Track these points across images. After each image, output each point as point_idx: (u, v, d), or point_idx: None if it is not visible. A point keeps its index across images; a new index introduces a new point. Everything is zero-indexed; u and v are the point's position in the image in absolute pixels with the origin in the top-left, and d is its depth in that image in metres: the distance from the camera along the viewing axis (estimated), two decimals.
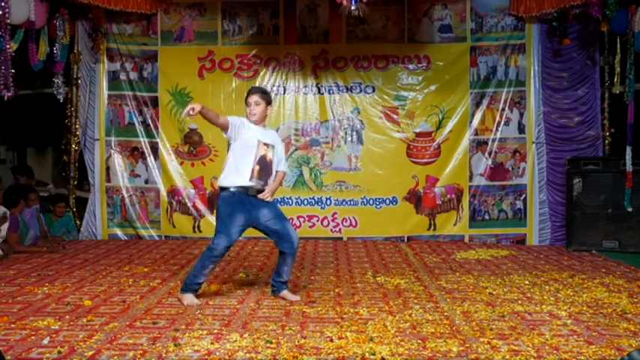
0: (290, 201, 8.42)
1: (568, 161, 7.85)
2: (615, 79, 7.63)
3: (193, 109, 4.62)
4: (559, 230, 8.21)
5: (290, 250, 5.05)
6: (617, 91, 7.60)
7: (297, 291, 5.32)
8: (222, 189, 4.97)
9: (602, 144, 8.14)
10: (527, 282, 5.78)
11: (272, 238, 5.17)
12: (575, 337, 4.05)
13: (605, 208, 7.62)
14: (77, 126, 8.48)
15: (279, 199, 8.23)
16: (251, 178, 4.88)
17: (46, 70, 7.93)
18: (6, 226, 6.87)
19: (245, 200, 4.90)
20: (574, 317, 4.55)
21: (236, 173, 4.92)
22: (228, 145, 5.07)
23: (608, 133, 8.11)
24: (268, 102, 5.05)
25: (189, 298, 4.89)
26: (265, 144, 4.96)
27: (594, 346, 3.84)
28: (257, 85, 8.41)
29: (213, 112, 4.88)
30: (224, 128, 4.93)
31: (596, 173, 7.68)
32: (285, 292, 5.10)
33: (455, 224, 8.44)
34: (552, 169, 8.26)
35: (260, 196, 4.94)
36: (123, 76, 8.54)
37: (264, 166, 4.94)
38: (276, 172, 5.10)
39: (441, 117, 8.42)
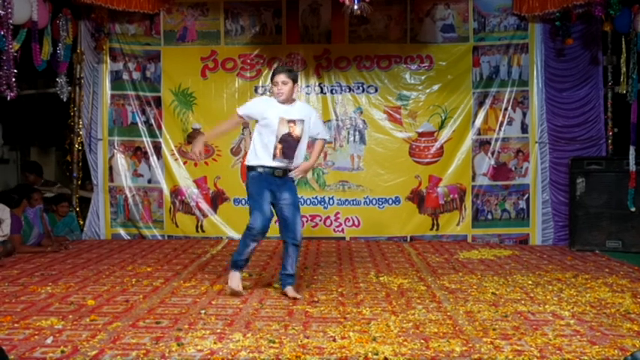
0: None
1: (571, 161, 7.85)
2: (621, 79, 7.61)
3: (200, 152, 4.98)
4: (562, 230, 8.20)
5: (292, 241, 5.14)
6: (624, 91, 7.57)
7: (299, 291, 5.32)
8: (249, 168, 5.09)
9: (605, 144, 8.12)
10: (530, 282, 5.78)
11: (279, 224, 5.24)
12: (578, 337, 4.05)
13: (608, 208, 7.61)
14: (80, 126, 8.49)
15: None
16: (274, 157, 4.98)
17: (49, 70, 7.94)
18: (7, 223, 6.83)
19: (271, 180, 5.03)
20: (577, 317, 4.54)
21: (260, 152, 5.01)
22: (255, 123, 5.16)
23: (611, 133, 8.10)
24: (295, 80, 5.11)
25: (235, 281, 5.06)
26: (291, 120, 5.00)
27: (597, 347, 3.83)
28: (260, 83, 8.44)
29: (217, 128, 5.03)
30: (243, 124, 5.05)
31: (599, 173, 7.67)
32: (288, 289, 5.13)
33: (458, 224, 8.43)
34: (555, 169, 8.25)
35: (292, 173, 5.07)
36: (126, 76, 8.55)
37: (288, 144, 5.00)
38: (315, 141, 5.24)
39: (443, 117, 8.42)
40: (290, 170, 5.10)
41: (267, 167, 5.01)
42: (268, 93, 8.16)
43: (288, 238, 5.16)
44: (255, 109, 5.12)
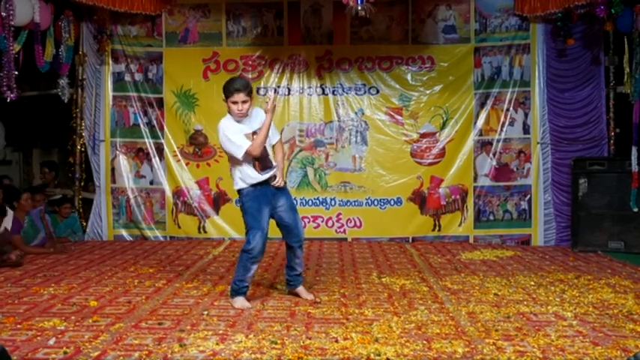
0: (294, 201, 8.39)
1: (573, 162, 7.84)
2: (625, 79, 7.59)
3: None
4: (564, 231, 8.19)
5: (297, 244, 5.10)
6: (628, 91, 7.56)
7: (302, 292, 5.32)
8: (241, 190, 4.98)
9: (607, 144, 8.12)
10: (532, 283, 5.77)
11: (280, 229, 5.17)
12: (580, 338, 4.05)
13: (610, 209, 7.59)
14: (82, 127, 8.50)
15: None
16: (262, 173, 4.90)
17: (51, 72, 7.96)
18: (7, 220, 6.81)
19: (267, 191, 4.94)
20: (580, 318, 4.54)
21: (245, 173, 4.91)
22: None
23: (613, 134, 8.09)
24: (251, 94, 4.95)
25: (239, 302, 4.88)
26: (254, 132, 4.89)
27: (600, 347, 3.83)
28: (262, 84, 8.44)
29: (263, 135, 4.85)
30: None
31: (601, 174, 7.65)
32: (300, 289, 5.12)
33: (459, 225, 8.42)
34: (557, 170, 8.25)
35: (273, 184, 4.96)
36: (128, 78, 8.55)
37: (262, 156, 4.89)
38: (272, 146, 5.05)
39: (445, 118, 8.42)
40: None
41: (260, 182, 4.90)
42: (271, 94, 8.15)
43: (293, 242, 5.10)
44: (239, 133, 4.86)
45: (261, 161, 4.91)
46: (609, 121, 8.12)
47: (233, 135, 4.85)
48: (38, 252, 7.16)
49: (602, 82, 8.12)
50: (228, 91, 4.87)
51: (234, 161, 4.96)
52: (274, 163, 5.01)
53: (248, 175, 4.91)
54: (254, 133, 4.88)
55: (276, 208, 5.01)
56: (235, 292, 4.93)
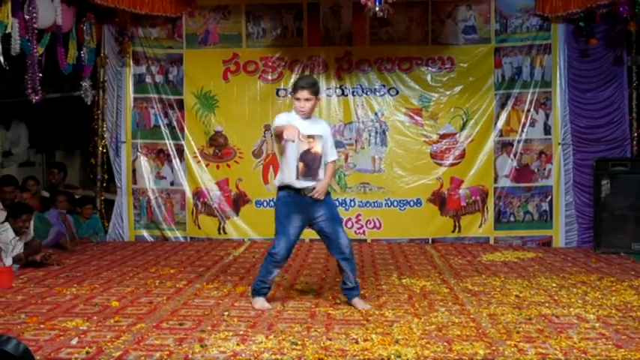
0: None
1: (596, 162, 7.76)
2: None
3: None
4: (586, 232, 8.11)
5: (340, 256, 4.91)
6: None
7: (322, 293, 5.33)
8: (279, 188, 4.98)
9: (630, 145, 8.04)
10: (554, 284, 5.73)
11: (323, 241, 5.09)
12: (603, 340, 4.01)
13: (633, 210, 7.52)
14: (104, 129, 8.58)
15: None
16: (298, 177, 4.79)
17: (74, 74, 8.04)
18: (31, 223, 6.79)
19: (301, 201, 4.85)
20: (602, 320, 4.50)
21: (285, 171, 4.89)
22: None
23: (635, 134, 8.01)
24: (317, 95, 4.97)
25: (259, 302, 4.88)
26: (310, 136, 4.79)
27: (623, 350, 3.79)
28: (282, 86, 8.45)
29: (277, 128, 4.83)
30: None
31: (624, 174, 7.58)
32: (355, 300, 4.92)
33: (480, 226, 8.38)
34: (579, 171, 8.17)
35: (312, 194, 4.82)
36: (149, 79, 8.62)
37: (309, 162, 4.78)
38: (325, 164, 4.93)
39: (465, 118, 8.38)
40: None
41: (294, 188, 4.84)
42: (290, 95, 8.20)
43: (336, 254, 4.94)
44: (280, 123, 4.86)
45: (306, 167, 4.79)
46: (632, 121, 8.04)
47: (279, 119, 4.93)
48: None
49: (625, 83, 8.04)
50: (294, 87, 4.99)
51: (280, 154, 4.96)
52: (319, 178, 4.83)
53: (286, 176, 4.88)
54: (309, 136, 4.82)
55: (315, 219, 4.89)
56: (256, 293, 4.94)
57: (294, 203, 4.85)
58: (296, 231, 4.88)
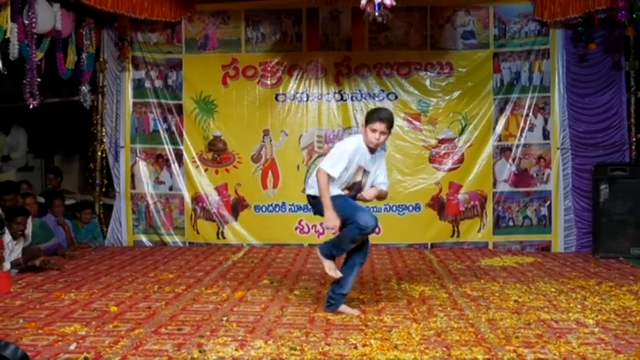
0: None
1: (594, 167, 7.77)
2: None
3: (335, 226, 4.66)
4: (585, 237, 8.11)
5: (362, 261, 4.93)
6: None
7: (320, 298, 5.32)
8: (316, 197, 4.84)
9: (628, 149, 8.05)
10: (553, 289, 5.72)
11: None
12: (602, 345, 4.01)
13: (632, 215, 7.52)
14: (103, 133, 8.59)
15: (302, 206, 8.24)
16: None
17: (73, 79, 8.04)
18: (29, 230, 6.80)
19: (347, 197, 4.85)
20: (601, 325, 4.49)
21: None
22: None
23: (634, 139, 8.02)
24: (391, 129, 4.90)
25: (328, 265, 4.80)
26: (366, 171, 4.84)
27: (622, 355, 3.79)
28: (281, 91, 8.46)
29: (325, 197, 4.70)
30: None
31: (623, 179, 7.59)
32: (343, 307, 4.89)
33: (479, 231, 8.37)
34: (578, 175, 8.18)
35: (361, 194, 4.89)
36: (148, 84, 8.63)
37: (353, 191, 4.86)
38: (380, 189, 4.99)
39: (463, 123, 8.38)
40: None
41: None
42: (288, 101, 8.17)
43: (360, 257, 4.91)
44: (347, 160, 4.73)
45: (349, 193, 4.86)
46: (630, 126, 8.05)
47: (343, 155, 4.74)
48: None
49: (623, 87, 8.06)
50: (372, 117, 4.80)
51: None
52: (360, 196, 4.90)
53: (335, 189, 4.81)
54: (364, 170, 4.83)
55: None
56: (329, 255, 4.81)
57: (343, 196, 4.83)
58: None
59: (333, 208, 4.67)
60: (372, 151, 4.86)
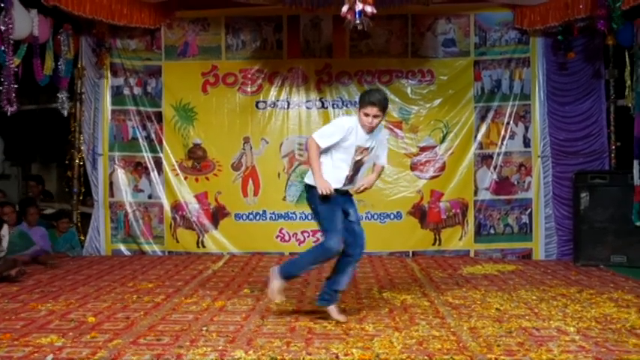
0: (294, 216, 8.39)
1: (575, 175, 7.82)
2: (626, 92, 7.62)
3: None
4: (566, 245, 8.15)
5: (359, 256, 4.95)
6: (629, 104, 7.57)
7: (302, 307, 5.27)
8: (314, 186, 4.81)
9: (608, 157, 8.10)
10: (534, 297, 5.72)
11: (346, 239, 4.90)
12: (583, 353, 3.99)
13: (613, 223, 7.56)
14: (81, 141, 8.48)
15: (283, 214, 8.21)
16: (344, 185, 4.83)
17: (50, 85, 7.95)
18: (5, 239, 6.73)
19: (339, 197, 4.82)
20: (582, 333, 4.49)
21: (330, 174, 4.77)
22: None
23: (614, 147, 8.08)
24: (386, 110, 4.86)
25: (278, 286, 4.81)
26: (365, 149, 4.81)
27: None
28: (261, 98, 8.42)
29: (316, 168, 4.74)
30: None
31: (603, 187, 7.63)
32: (332, 308, 4.86)
33: (460, 239, 8.38)
34: (558, 183, 8.22)
35: (353, 189, 4.91)
36: (127, 91, 8.54)
37: (355, 171, 4.85)
38: (375, 164, 5.02)
39: (445, 131, 8.40)
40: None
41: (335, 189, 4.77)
42: (269, 107, 8.15)
43: (357, 252, 4.92)
44: (346, 135, 4.73)
45: (353, 175, 4.85)
46: (610, 134, 8.12)
47: (336, 131, 4.76)
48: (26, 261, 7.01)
49: (603, 96, 8.13)
50: (364, 101, 4.77)
51: (334, 156, 4.81)
52: (357, 183, 4.91)
53: (330, 174, 4.77)
54: (365, 149, 4.81)
55: (348, 216, 4.89)
56: (286, 275, 4.84)
57: (335, 198, 4.78)
58: (341, 223, 4.80)
59: (317, 210, 4.77)
60: (370, 131, 4.83)
